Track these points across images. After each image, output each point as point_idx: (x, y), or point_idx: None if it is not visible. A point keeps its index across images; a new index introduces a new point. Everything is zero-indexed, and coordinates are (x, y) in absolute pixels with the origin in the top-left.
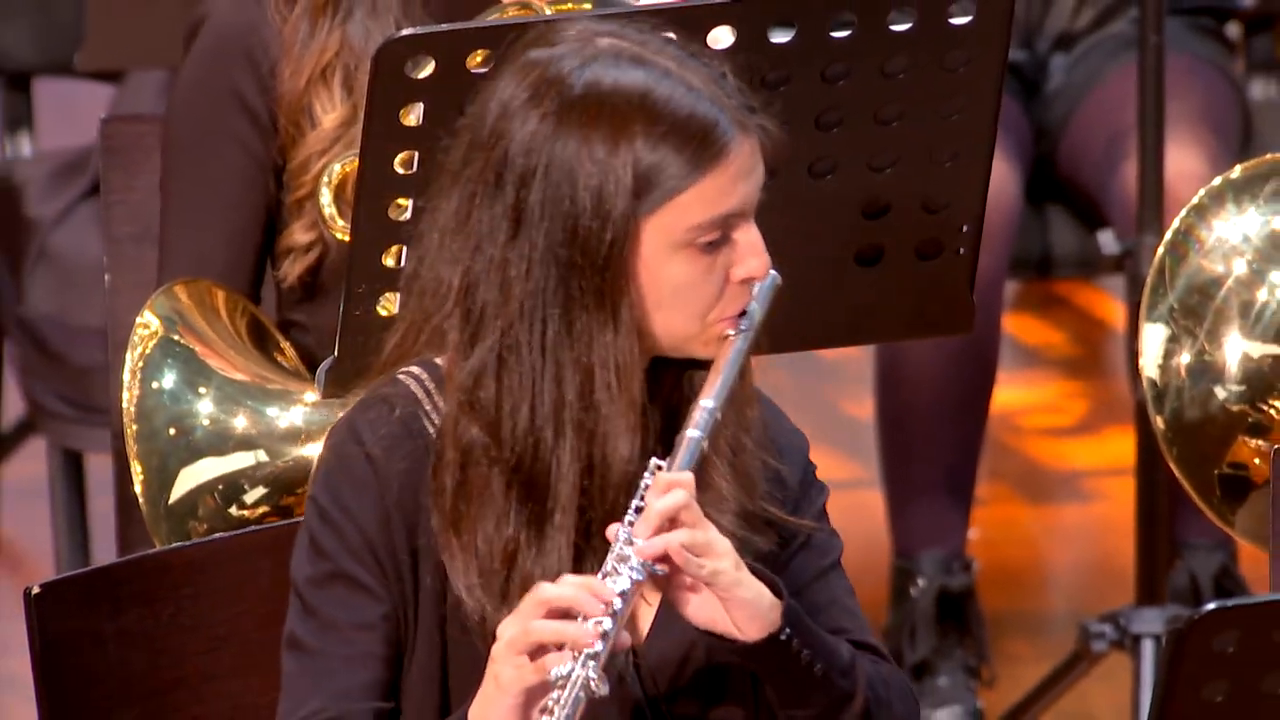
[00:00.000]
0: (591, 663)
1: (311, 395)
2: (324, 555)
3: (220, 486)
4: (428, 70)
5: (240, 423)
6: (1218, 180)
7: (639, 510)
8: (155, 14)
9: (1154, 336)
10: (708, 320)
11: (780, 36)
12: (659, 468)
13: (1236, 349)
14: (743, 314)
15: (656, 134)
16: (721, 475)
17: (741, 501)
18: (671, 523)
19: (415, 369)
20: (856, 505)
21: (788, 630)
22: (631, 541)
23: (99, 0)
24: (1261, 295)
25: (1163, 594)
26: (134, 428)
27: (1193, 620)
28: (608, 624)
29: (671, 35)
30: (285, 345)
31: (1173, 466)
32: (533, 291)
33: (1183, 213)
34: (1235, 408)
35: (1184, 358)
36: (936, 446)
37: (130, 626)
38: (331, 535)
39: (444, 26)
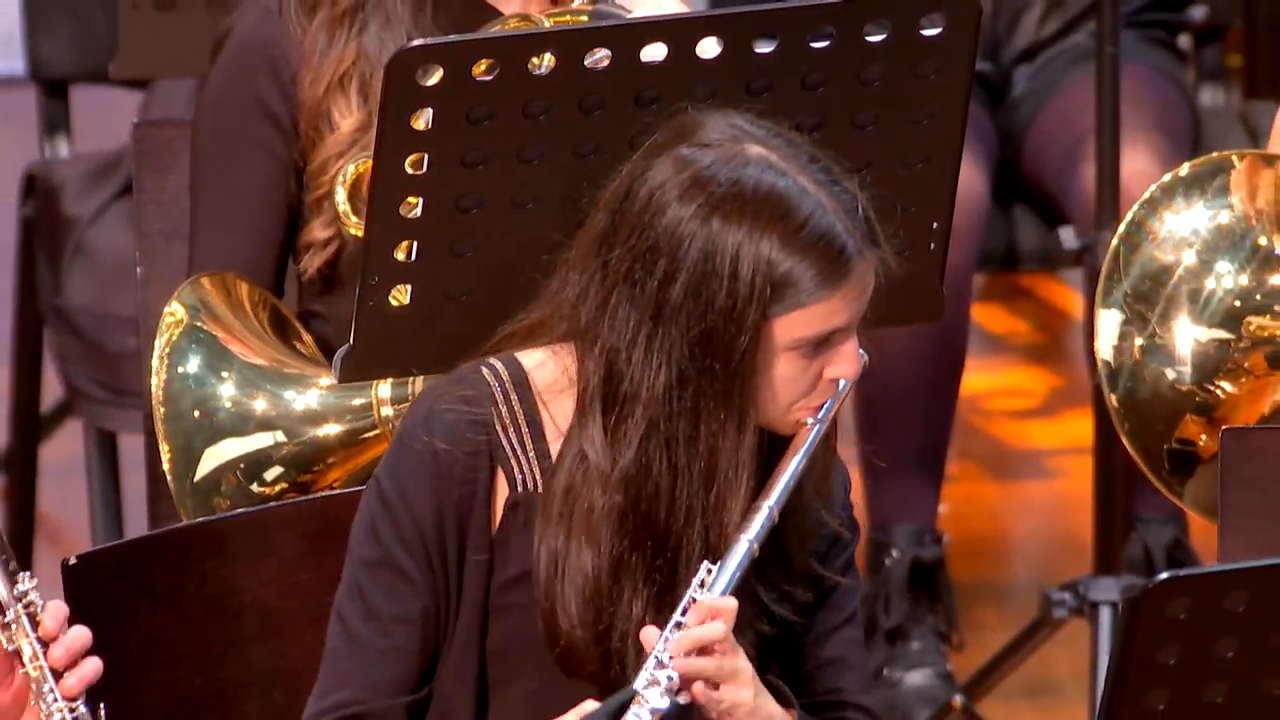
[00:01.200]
0: None
1: (327, 380)
2: (379, 541)
3: (242, 465)
4: (436, 78)
5: (260, 405)
6: (1168, 177)
7: (679, 625)
8: (183, 27)
9: (1109, 321)
10: (793, 409)
11: (764, 47)
12: (709, 571)
13: (1186, 333)
14: (821, 405)
15: (793, 246)
16: (790, 538)
17: (796, 556)
18: (703, 650)
19: (498, 364)
20: None
21: None
22: (663, 665)
23: (131, 14)
24: (1209, 284)
25: (1118, 564)
26: (162, 410)
27: (1147, 589)
28: None
29: (816, 154)
30: (304, 334)
31: (1125, 441)
32: (669, 385)
33: (1135, 206)
34: (1184, 387)
35: (1137, 340)
36: (909, 427)
37: (159, 595)
38: (388, 523)
39: (451, 38)
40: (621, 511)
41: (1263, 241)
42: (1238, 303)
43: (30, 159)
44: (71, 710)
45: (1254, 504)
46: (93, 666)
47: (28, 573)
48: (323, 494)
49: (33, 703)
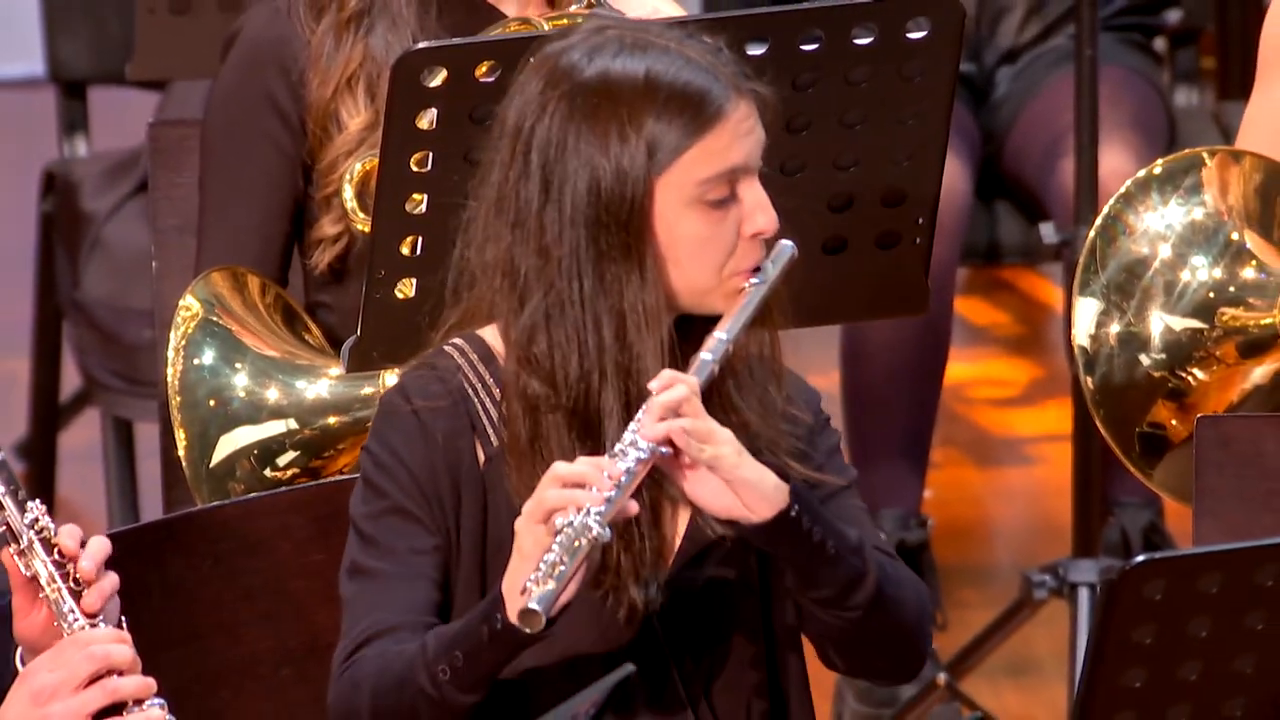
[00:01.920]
0: (594, 511)
1: (336, 370)
2: (380, 493)
3: (255, 452)
4: (440, 79)
5: (273, 394)
6: (1142, 172)
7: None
8: (198, 30)
9: (1086, 310)
10: (724, 274)
11: (755, 49)
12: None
13: (1160, 322)
14: (756, 270)
15: (660, 103)
16: (751, 420)
17: (767, 445)
18: (675, 414)
19: (459, 341)
20: None
21: (796, 508)
22: (639, 430)
23: (148, 18)
24: (1184, 276)
25: (1097, 547)
26: (177, 399)
27: (1124, 571)
28: (613, 492)
29: (668, 28)
30: (312, 325)
31: (1099, 425)
32: (567, 252)
33: (1112, 200)
34: (1157, 374)
35: (1113, 328)
36: (895, 415)
37: (174, 576)
38: (385, 477)
39: (455, 40)
40: (537, 389)
41: (1235, 236)
42: (1211, 294)
43: (49, 157)
44: (92, 627)
45: (1227, 489)
46: (110, 581)
47: (37, 500)
48: (333, 479)
49: (55, 624)
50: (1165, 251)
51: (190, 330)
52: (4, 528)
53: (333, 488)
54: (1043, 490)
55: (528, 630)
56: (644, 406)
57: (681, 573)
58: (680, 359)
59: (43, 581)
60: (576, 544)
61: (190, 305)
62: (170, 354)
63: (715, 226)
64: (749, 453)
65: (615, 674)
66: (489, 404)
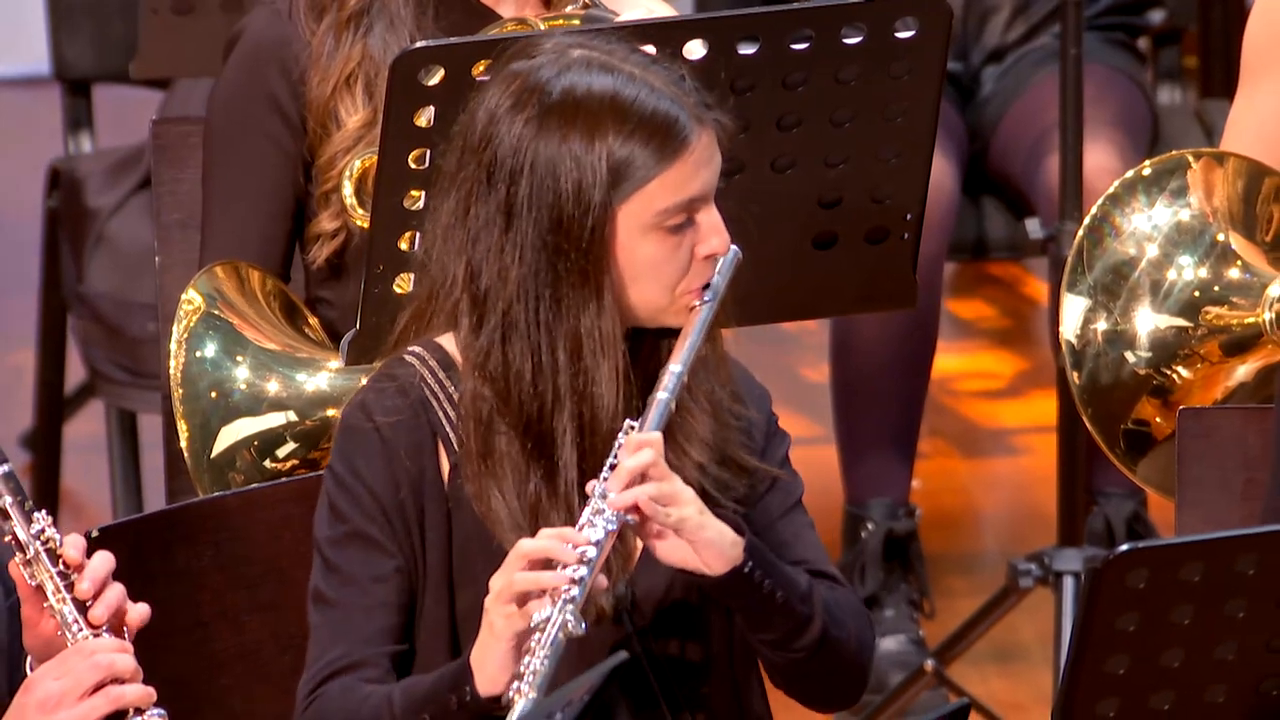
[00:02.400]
0: (569, 606)
1: (335, 363)
2: (341, 518)
3: (256, 443)
4: (437, 78)
5: (273, 387)
6: (1130, 173)
7: (613, 467)
8: (200, 30)
9: (1074, 308)
10: (676, 293)
11: (746, 48)
12: (632, 427)
13: (1146, 321)
14: (706, 286)
15: (625, 131)
16: (700, 423)
17: (719, 447)
18: (642, 478)
19: (420, 350)
20: (813, 459)
21: (750, 564)
22: (605, 496)
23: (151, 18)
24: (1170, 275)
25: (1081, 536)
26: (180, 391)
27: (1108, 560)
28: (583, 571)
29: (636, 46)
30: (311, 319)
31: (1086, 420)
32: (526, 275)
33: (1099, 201)
34: (1142, 372)
35: (1100, 325)
36: (883, 407)
37: (177, 566)
38: (347, 499)
39: (452, 40)
40: (492, 403)
41: (1220, 237)
42: (1197, 294)
43: (54, 154)
44: (96, 636)
45: (1209, 479)
46: (116, 592)
47: (43, 511)
48: None
49: (59, 633)
50: (1152, 252)
51: (192, 324)
52: (10, 538)
53: None
54: (1028, 480)
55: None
56: (609, 469)
57: (655, 586)
58: (634, 381)
59: (48, 592)
60: (556, 641)
61: (192, 299)
62: (172, 347)
63: (671, 250)
64: (706, 508)
65: (609, 661)
66: (450, 412)
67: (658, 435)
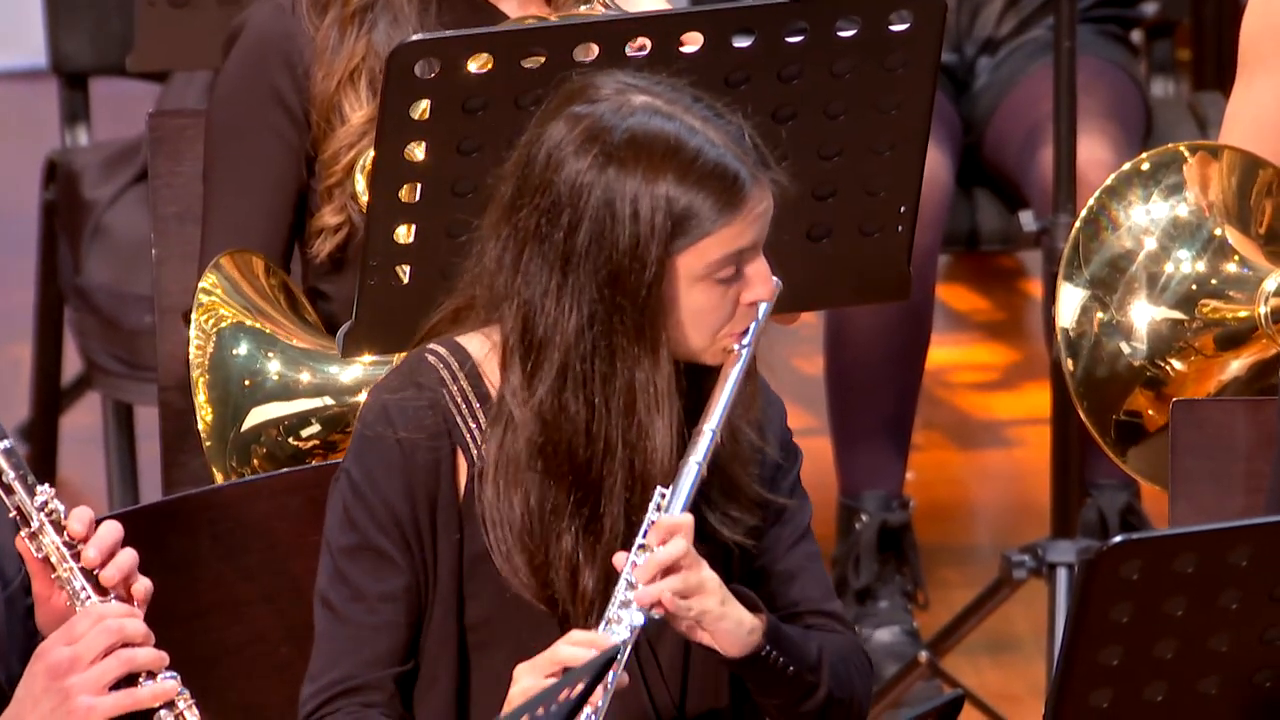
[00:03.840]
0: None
1: (369, 357)
2: (355, 528)
3: (285, 423)
4: (433, 71)
5: (305, 377)
6: (1126, 166)
7: (642, 547)
8: (197, 23)
9: (1070, 300)
10: (717, 337)
11: (742, 41)
12: (663, 496)
13: (1143, 313)
14: (744, 330)
15: (688, 182)
16: (724, 460)
17: (736, 485)
18: (668, 570)
19: (441, 350)
20: (808, 450)
21: (767, 648)
22: (633, 585)
23: (148, 11)
24: (1168, 269)
25: (1075, 528)
26: (206, 378)
27: (1102, 551)
28: (610, 676)
29: (698, 94)
30: (309, 308)
31: (1080, 411)
32: (583, 326)
33: (1096, 194)
34: (1137, 363)
35: (1098, 315)
36: (878, 399)
37: (173, 557)
38: (363, 509)
39: (448, 33)
40: (540, 449)
41: (1216, 232)
42: (1193, 287)
43: (51, 147)
44: (104, 602)
45: (1202, 471)
46: (129, 556)
47: (46, 484)
48: (329, 463)
49: (67, 604)
50: (1149, 246)
51: (222, 323)
52: (14, 513)
53: (329, 470)
54: (1022, 472)
55: None
56: (638, 544)
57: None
58: (686, 432)
59: (54, 561)
60: None
61: (213, 290)
62: (194, 334)
63: (719, 299)
64: (728, 594)
65: (604, 653)
66: (469, 418)
67: (688, 519)
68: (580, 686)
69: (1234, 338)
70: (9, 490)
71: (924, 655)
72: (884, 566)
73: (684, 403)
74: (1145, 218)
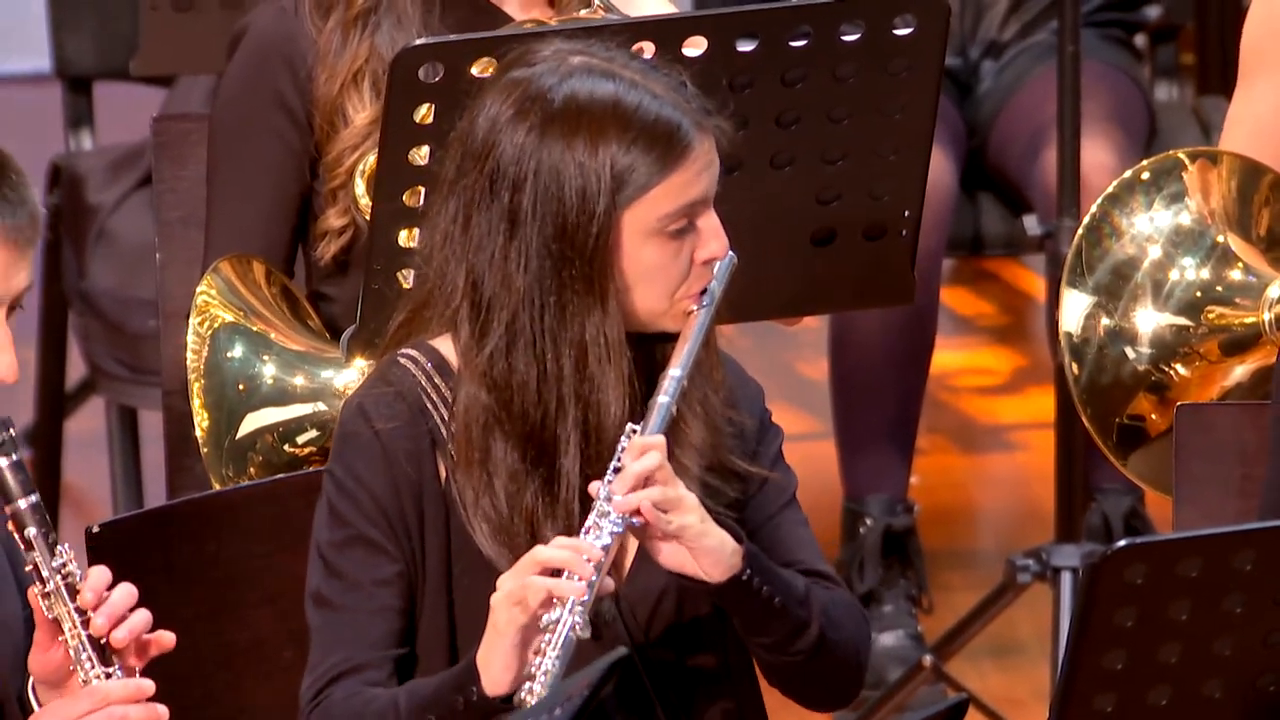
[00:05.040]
0: (579, 608)
1: (361, 362)
2: (343, 521)
3: (280, 429)
4: (438, 75)
5: (299, 381)
6: (1128, 174)
7: (617, 470)
8: (201, 27)
9: (1075, 305)
10: (675, 298)
11: (746, 45)
12: (634, 431)
13: (1146, 319)
14: (704, 291)
15: (629, 138)
16: (694, 430)
17: (712, 453)
18: (645, 481)
19: (413, 353)
20: (812, 455)
21: (748, 571)
22: (610, 499)
23: (151, 15)
24: (1173, 275)
25: (1079, 532)
26: (201, 382)
27: (1106, 555)
28: (592, 575)
29: (635, 52)
30: (312, 313)
31: (1083, 416)
32: (531, 283)
33: (1098, 201)
34: (1142, 368)
35: (1103, 320)
36: (882, 403)
37: (178, 560)
38: (348, 503)
39: (452, 37)
40: (493, 411)
41: (1219, 239)
42: (1198, 294)
43: (55, 151)
44: (108, 675)
45: (1206, 475)
46: (142, 618)
47: (66, 545)
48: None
49: (70, 668)
50: (1153, 253)
51: (213, 319)
52: (31, 567)
53: None
54: (1026, 476)
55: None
56: (614, 471)
57: (648, 594)
58: (638, 387)
59: (64, 628)
60: (567, 641)
61: (209, 292)
62: (191, 338)
63: (672, 255)
64: (707, 515)
65: (608, 656)
66: (446, 416)
67: (661, 438)
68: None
69: (1239, 343)
70: (29, 546)
71: (928, 659)
72: (888, 571)
73: (640, 378)
74: (1148, 225)
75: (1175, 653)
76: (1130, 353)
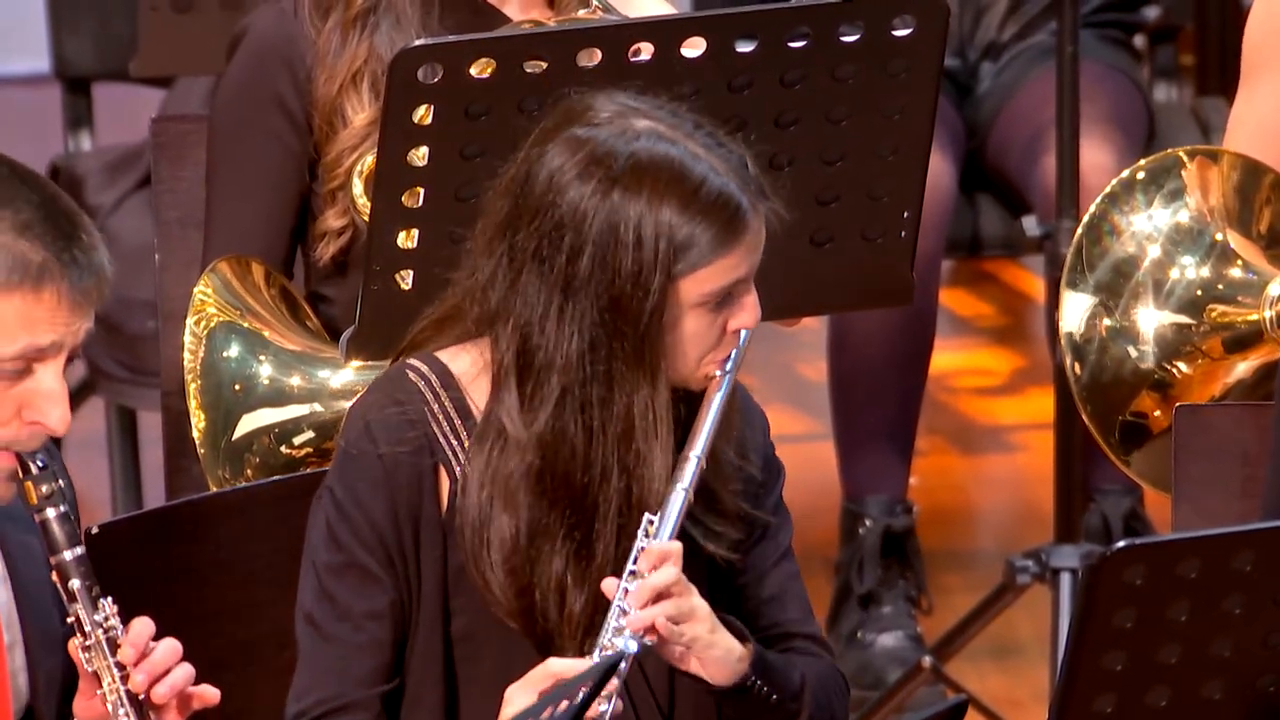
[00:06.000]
0: None
1: (357, 362)
2: (340, 546)
3: (275, 430)
4: (437, 76)
5: (295, 381)
6: (1125, 173)
7: (633, 574)
8: (200, 27)
9: (1075, 305)
10: (702, 363)
11: (745, 46)
12: (650, 522)
13: (1149, 318)
14: (726, 357)
15: (691, 210)
16: (714, 483)
17: (718, 500)
18: (659, 596)
19: (422, 366)
20: (811, 456)
21: (753, 678)
22: (625, 612)
23: (151, 15)
24: (1174, 274)
25: (1078, 533)
26: (199, 383)
27: (1105, 556)
28: (604, 706)
29: (699, 120)
30: (310, 314)
31: (1084, 414)
32: (584, 351)
33: (1097, 200)
34: (1144, 366)
35: (1104, 321)
36: (881, 404)
37: (177, 561)
38: (347, 528)
39: (451, 38)
40: (538, 473)
41: (1219, 237)
42: (1199, 292)
43: (55, 152)
44: None
45: (1206, 476)
46: (184, 674)
47: (109, 598)
48: (327, 469)
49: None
50: (1153, 252)
51: (210, 320)
52: (73, 619)
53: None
54: (1025, 477)
55: None
56: (629, 570)
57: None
58: (677, 450)
59: (104, 683)
60: None
61: (207, 293)
62: (187, 338)
63: (708, 326)
64: (718, 623)
65: (608, 658)
66: (451, 435)
67: (677, 546)
68: (580, 695)
69: (1241, 341)
70: (72, 598)
71: (927, 660)
72: (887, 572)
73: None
74: (1147, 224)
75: (1175, 654)
76: (1133, 351)
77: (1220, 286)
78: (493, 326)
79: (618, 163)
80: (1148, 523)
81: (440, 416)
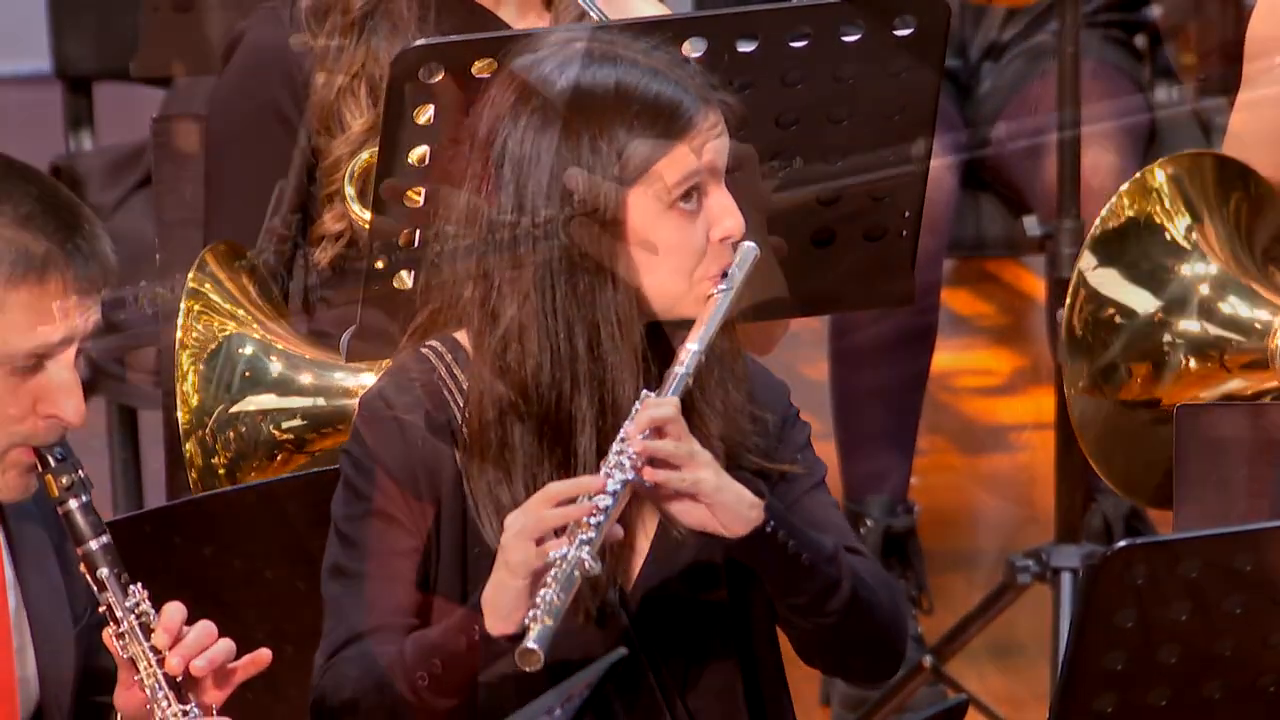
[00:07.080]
0: (586, 546)
1: (363, 366)
2: (360, 496)
3: (270, 414)
4: (438, 76)
5: (305, 379)
6: (1126, 185)
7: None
8: (201, 27)
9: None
10: (694, 279)
11: (745, 46)
12: (648, 395)
13: (1148, 337)
14: (724, 275)
15: (631, 117)
16: (712, 425)
17: (729, 449)
18: (659, 434)
19: (436, 344)
20: None
21: (772, 524)
22: (624, 452)
23: (152, 15)
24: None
25: (1079, 533)
26: (200, 369)
27: (1106, 556)
28: (600, 517)
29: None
30: (275, 293)
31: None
32: (541, 264)
33: (1103, 213)
34: (1138, 384)
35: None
36: (882, 404)
37: (177, 561)
38: (365, 480)
39: (453, 38)
40: (507, 397)
41: (1223, 252)
42: (1199, 310)
43: (55, 152)
44: (185, 714)
45: (1206, 476)
46: (223, 649)
47: (139, 584)
48: (333, 468)
49: (148, 707)
50: (1156, 267)
51: (214, 324)
52: (105, 608)
53: (330, 476)
54: (1026, 477)
55: (526, 668)
56: (628, 423)
57: (653, 579)
58: (651, 367)
59: (140, 668)
60: (571, 577)
61: (200, 288)
62: (182, 319)
63: (685, 232)
64: (723, 470)
65: (609, 656)
66: (464, 409)
67: (675, 399)
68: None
69: (1244, 367)
70: (101, 587)
71: (928, 660)
72: (888, 571)
73: (659, 365)
74: (1151, 236)
75: (1175, 653)
76: (1125, 370)
77: (1222, 306)
78: (460, 264)
79: (555, 84)
80: (1148, 522)
81: (455, 390)
